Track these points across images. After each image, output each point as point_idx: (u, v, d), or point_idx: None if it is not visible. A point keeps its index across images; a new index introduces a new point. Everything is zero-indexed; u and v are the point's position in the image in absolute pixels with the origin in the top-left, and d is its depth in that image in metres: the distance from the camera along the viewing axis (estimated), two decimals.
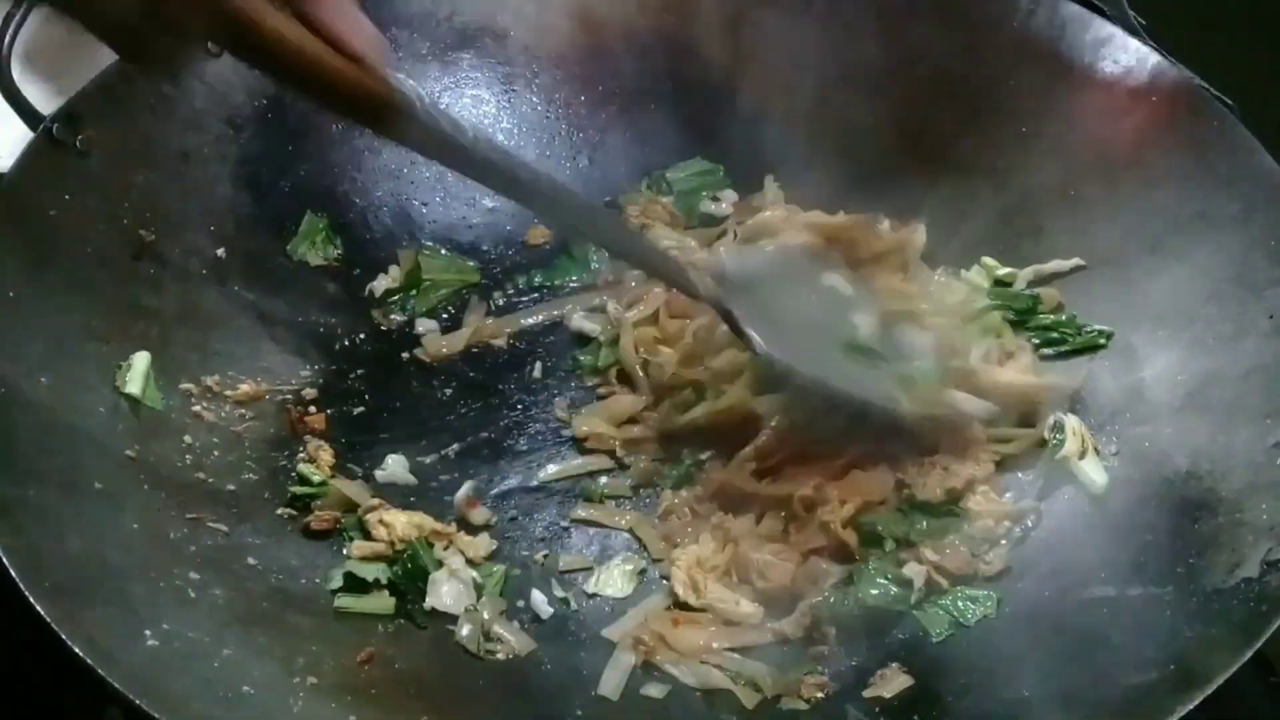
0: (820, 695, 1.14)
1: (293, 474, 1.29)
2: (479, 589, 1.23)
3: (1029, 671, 1.09)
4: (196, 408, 1.28)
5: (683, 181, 1.58)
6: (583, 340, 1.47)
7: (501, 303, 1.51)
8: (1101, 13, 1.45)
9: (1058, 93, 1.43)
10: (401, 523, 1.24)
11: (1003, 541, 1.25)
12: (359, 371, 1.42)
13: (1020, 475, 1.31)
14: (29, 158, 1.25)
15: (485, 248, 1.55)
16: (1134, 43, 1.41)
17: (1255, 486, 1.12)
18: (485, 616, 1.21)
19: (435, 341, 1.45)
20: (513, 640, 1.20)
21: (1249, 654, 0.97)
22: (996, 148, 1.46)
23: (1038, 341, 1.38)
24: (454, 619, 1.20)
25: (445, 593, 1.21)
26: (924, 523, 1.27)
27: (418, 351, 1.45)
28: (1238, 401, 1.20)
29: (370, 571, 1.21)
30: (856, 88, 1.52)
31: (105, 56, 1.33)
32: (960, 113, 1.48)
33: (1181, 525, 1.14)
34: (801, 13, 1.52)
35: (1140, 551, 1.15)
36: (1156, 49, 1.40)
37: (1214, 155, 1.32)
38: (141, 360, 1.24)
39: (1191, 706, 0.94)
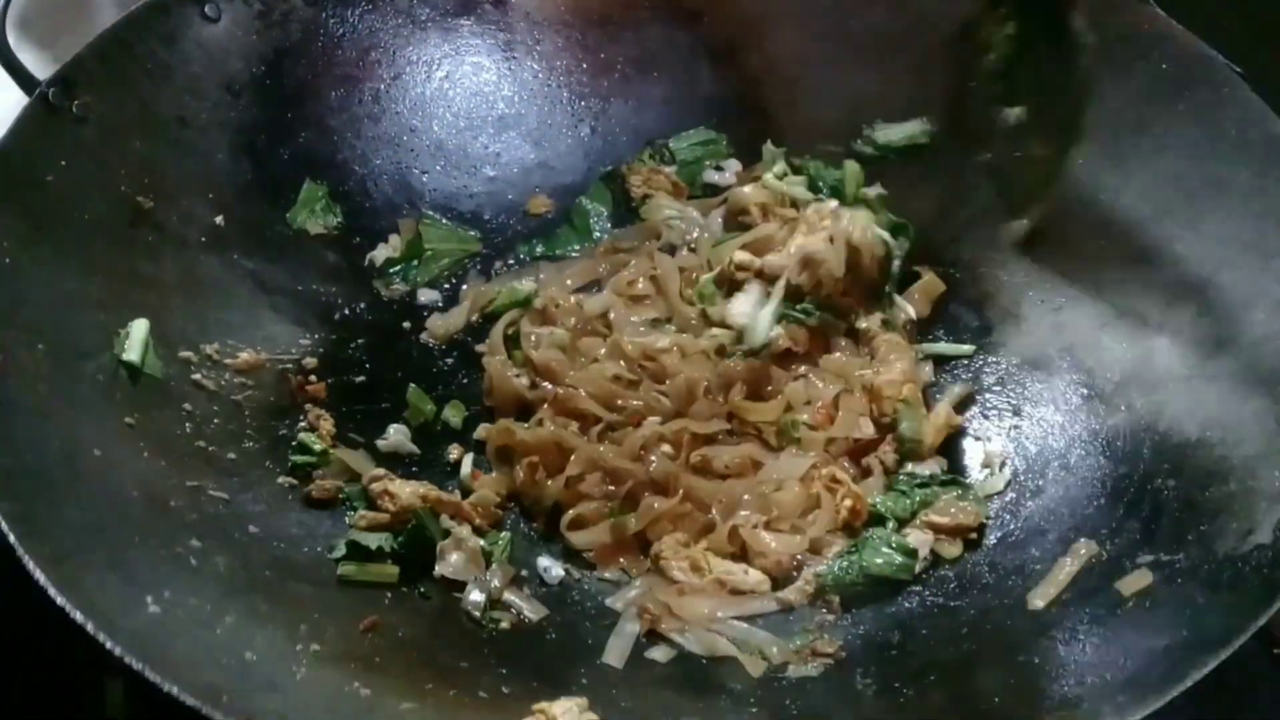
0: (829, 661, 1.14)
1: (294, 443, 1.28)
2: (487, 557, 1.22)
3: (1038, 639, 1.08)
4: (196, 376, 1.26)
5: (685, 151, 1.57)
6: None
7: (503, 273, 1.50)
8: None
9: (1066, 60, 1.41)
10: (406, 492, 1.23)
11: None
12: (360, 340, 1.41)
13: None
14: (25, 124, 1.23)
15: (487, 216, 1.53)
16: (1144, 9, 1.39)
17: (1267, 453, 1.11)
18: (495, 584, 1.20)
19: (438, 323, 1.44)
20: (524, 606, 1.19)
21: (1264, 619, 0.96)
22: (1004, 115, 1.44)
23: None
24: (458, 587, 1.19)
25: (454, 561, 1.20)
26: (925, 493, 1.27)
27: (424, 336, 1.44)
28: (1248, 370, 1.19)
29: (374, 540, 1.20)
30: (862, 56, 1.50)
31: (102, 21, 1.33)
32: (968, 80, 1.46)
33: (1192, 492, 1.13)
34: None
35: (1151, 518, 1.14)
36: (1166, 15, 1.38)
37: (1224, 122, 1.31)
38: (140, 328, 1.22)
39: (1206, 671, 0.93)
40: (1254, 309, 1.22)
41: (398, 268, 1.47)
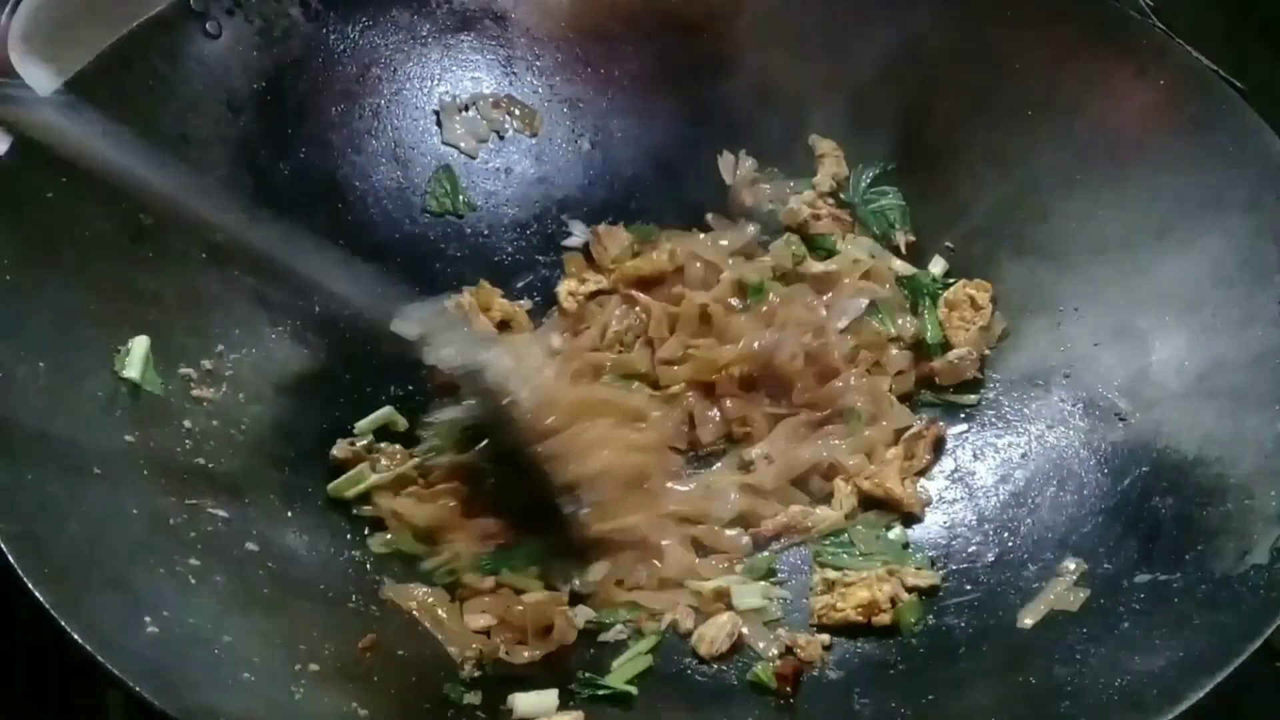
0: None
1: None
2: None
3: (1035, 659, 1.09)
4: (196, 392, 1.26)
5: None
6: None
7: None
8: None
9: (1064, 76, 1.42)
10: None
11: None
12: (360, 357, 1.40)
13: None
14: (27, 139, 1.23)
15: (486, 232, 1.54)
16: (1142, 25, 1.40)
17: (1264, 473, 1.11)
18: None
19: None
20: None
21: (1259, 642, 0.96)
22: (1002, 132, 1.45)
23: None
24: None
25: None
26: None
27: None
28: (1246, 387, 1.19)
29: None
30: (861, 71, 1.50)
31: (105, 38, 1.33)
32: (965, 96, 1.47)
33: (1190, 511, 1.13)
34: None
35: (1149, 537, 1.14)
36: (1165, 31, 1.38)
37: (1223, 139, 1.31)
38: (140, 345, 1.23)
39: (1202, 694, 0.93)
40: (1251, 326, 1.22)
41: None
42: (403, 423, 1.36)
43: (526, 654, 1.17)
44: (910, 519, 1.31)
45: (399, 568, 1.25)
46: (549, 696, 1.12)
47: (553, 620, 1.18)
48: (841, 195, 1.54)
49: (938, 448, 1.36)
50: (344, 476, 1.29)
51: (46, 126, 1.09)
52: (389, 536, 1.27)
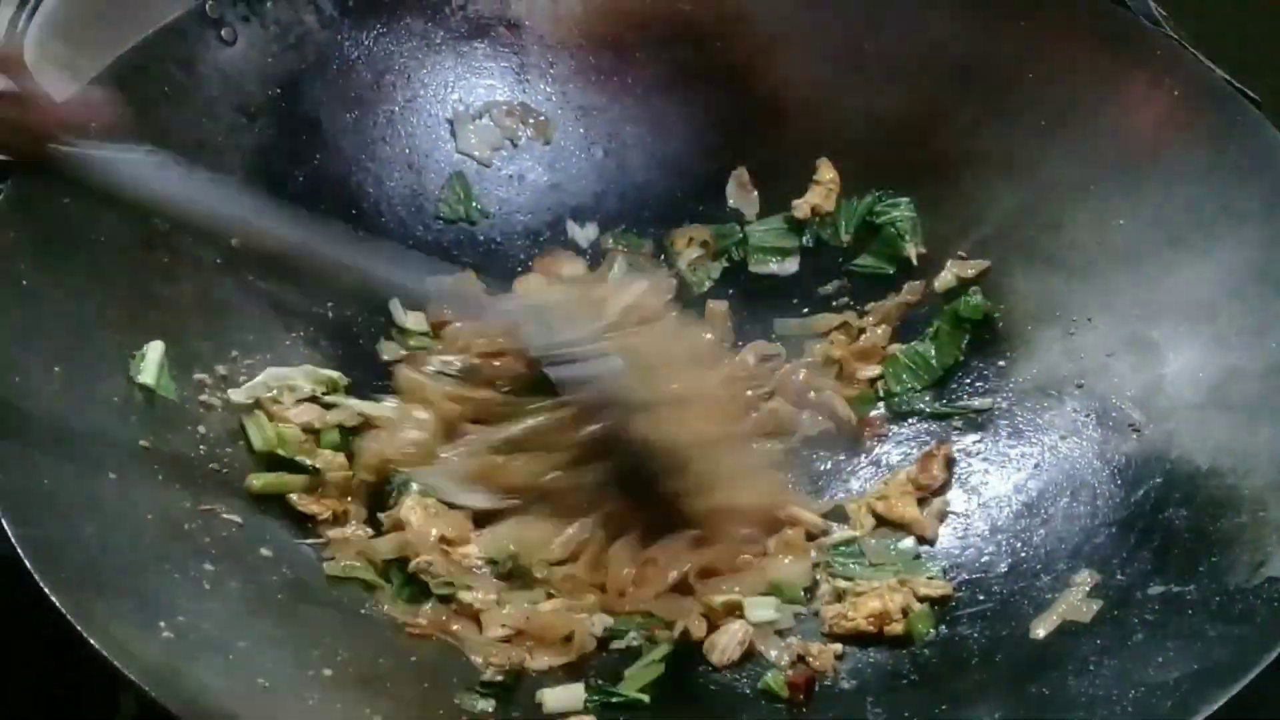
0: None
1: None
2: None
3: (1048, 670, 1.08)
4: (210, 398, 1.27)
5: None
6: None
7: None
8: (1124, 5, 1.44)
9: (1078, 86, 1.42)
10: None
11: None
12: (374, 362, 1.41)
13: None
14: None
15: (499, 239, 1.54)
16: (1156, 35, 1.40)
17: (1278, 485, 1.11)
18: None
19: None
20: None
21: (1275, 654, 0.96)
22: (1015, 141, 1.45)
23: None
24: None
25: None
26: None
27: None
28: (1260, 399, 1.19)
29: None
30: (875, 79, 1.51)
31: (120, 45, 1.34)
32: (979, 105, 1.47)
33: (1203, 523, 1.13)
34: (821, 2, 1.51)
35: (1163, 548, 1.14)
36: (1179, 41, 1.38)
37: (1237, 149, 1.30)
38: (155, 350, 1.23)
39: (1215, 708, 0.93)
40: (1266, 337, 1.22)
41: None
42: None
43: (549, 661, 1.17)
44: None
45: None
46: (576, 690, 1.13)
47: (572, 628, 1.18)
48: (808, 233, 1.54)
49: (949, 467, 1.35)
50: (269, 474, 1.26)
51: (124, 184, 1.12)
52: (345, 562, 1.21)
